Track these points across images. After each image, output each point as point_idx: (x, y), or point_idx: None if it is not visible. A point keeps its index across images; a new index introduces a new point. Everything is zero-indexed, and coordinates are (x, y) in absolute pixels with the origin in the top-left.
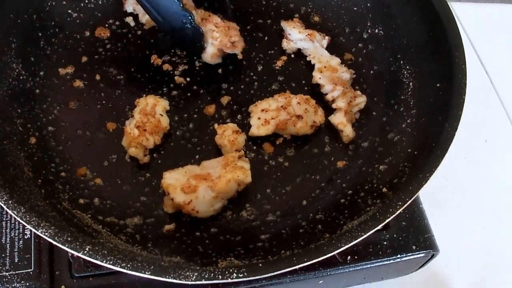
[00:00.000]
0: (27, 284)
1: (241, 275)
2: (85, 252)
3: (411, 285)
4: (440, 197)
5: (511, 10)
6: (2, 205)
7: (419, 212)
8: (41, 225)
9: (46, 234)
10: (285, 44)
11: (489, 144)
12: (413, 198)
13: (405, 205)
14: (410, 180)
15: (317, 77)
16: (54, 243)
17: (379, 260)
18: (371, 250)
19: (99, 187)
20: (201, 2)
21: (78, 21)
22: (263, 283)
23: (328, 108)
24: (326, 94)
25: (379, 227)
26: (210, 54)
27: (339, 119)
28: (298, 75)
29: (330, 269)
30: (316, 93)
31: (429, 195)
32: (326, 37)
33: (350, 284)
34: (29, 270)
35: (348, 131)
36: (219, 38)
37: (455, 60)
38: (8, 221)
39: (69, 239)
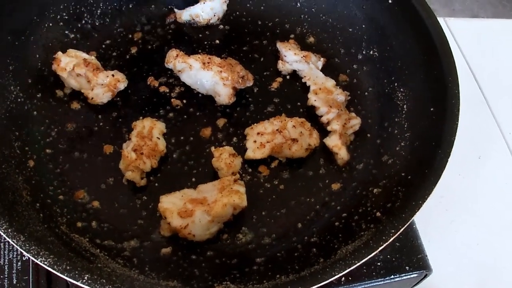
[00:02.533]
0: None
1: None
2: (84, 281)
3: None
4: (434, 214)
5: (504, 25)
6: (2, 233)
7: (412, 233)
8: (41, 253)
9: (46, 263)
10: (280, 65)
11: (483, 160)
12: (406, 225)
13: (398, 233)
14: (404, 207)
15: (312, 99)
16: (54, 272)
17: (373, 281)
18: (365, 271)
19: (97, 210)
20: None
21: (75, 42)
22: None
23: (323, 130)
24: (321, 116)
25: (372, 255)
26: (226, 95)
27: (334, 142)
28: (293, 97)
29: None
30: (311, 115)
31: (423, 212)
32: (322, 59)
33: None
34: None
35: (343, 154)
36: (229, 76)
37: (448, 84)
38: (7, 243)
39: (68, 267)
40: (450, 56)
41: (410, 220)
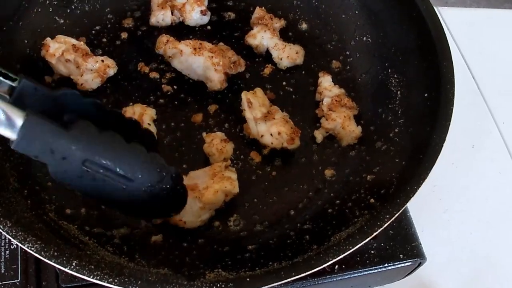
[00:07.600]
0: None
1: None
2: (72, 267)
3: None
4: (427, 203)
5: (498, 15)
6: None
7: (406, 221)
8: (27, 239)
9: (33, 249)
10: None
11: (476, 149)
12: (400, 211)
13: (393, 218)
14: (398, 192)
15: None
16: (41, 258)
17: (367, 269)
18: (358, 259)
19: None
20: None
21: (64, 27)
22: None
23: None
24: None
25: (366, 241)
26: (218, 81)
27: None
28: (285, 83)
29: (318, 279)
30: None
31: (416, 201)
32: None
33: None
34: (16, 280)
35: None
36: (220, 62)
37: (443, 70)
38: None
39: (55, 253)
40: (445, 41)
41: (405, 206)
